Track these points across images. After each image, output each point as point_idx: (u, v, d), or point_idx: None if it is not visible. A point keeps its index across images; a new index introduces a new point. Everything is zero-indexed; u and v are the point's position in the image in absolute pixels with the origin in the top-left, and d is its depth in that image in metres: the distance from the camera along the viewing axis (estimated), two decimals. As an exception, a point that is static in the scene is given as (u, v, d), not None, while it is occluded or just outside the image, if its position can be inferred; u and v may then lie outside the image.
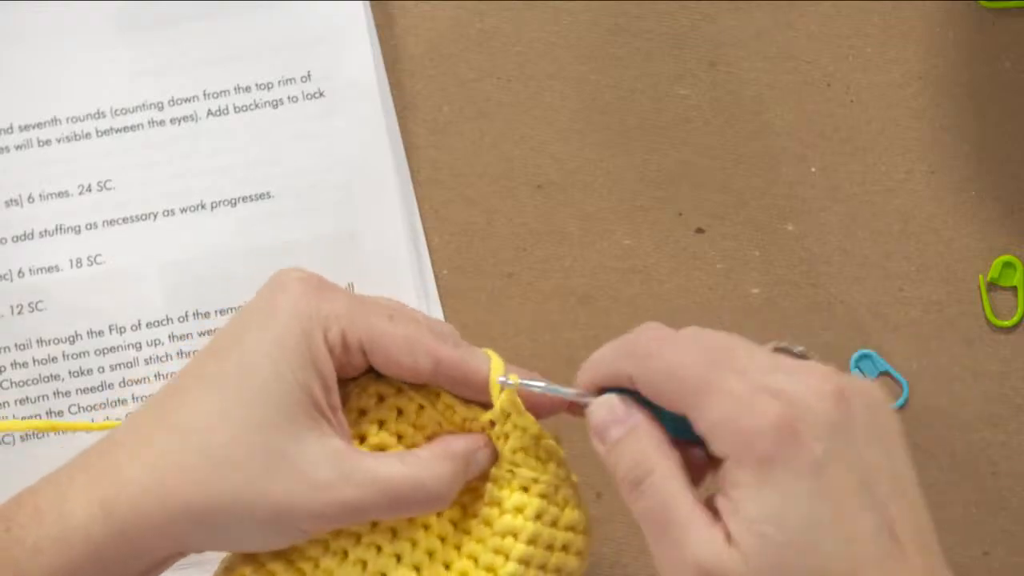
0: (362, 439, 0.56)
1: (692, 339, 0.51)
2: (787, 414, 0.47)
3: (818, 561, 0.46)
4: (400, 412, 0.56)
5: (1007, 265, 0.71)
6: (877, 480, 0.48)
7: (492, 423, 0.56)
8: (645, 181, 0.72)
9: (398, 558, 0.54)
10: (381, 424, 0.56)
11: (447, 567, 0.55)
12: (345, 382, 0.56)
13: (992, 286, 0.71)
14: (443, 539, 0.55)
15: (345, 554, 0.55)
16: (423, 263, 0.71)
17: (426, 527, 0.55)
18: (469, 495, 0.57)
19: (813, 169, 0.72)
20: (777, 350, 0.52)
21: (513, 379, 0.55)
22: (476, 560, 0.55)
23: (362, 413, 0.56)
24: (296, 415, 0.52)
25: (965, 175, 0.72)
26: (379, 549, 0.54)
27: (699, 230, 0.72)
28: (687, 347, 0.51)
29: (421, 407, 0.56)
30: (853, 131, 0.72)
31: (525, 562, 0.54)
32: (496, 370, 0.55)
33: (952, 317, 0.71)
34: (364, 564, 0.54)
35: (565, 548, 0.56)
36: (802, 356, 0.52)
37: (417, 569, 0.54)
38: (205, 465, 0.52)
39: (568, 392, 0.55)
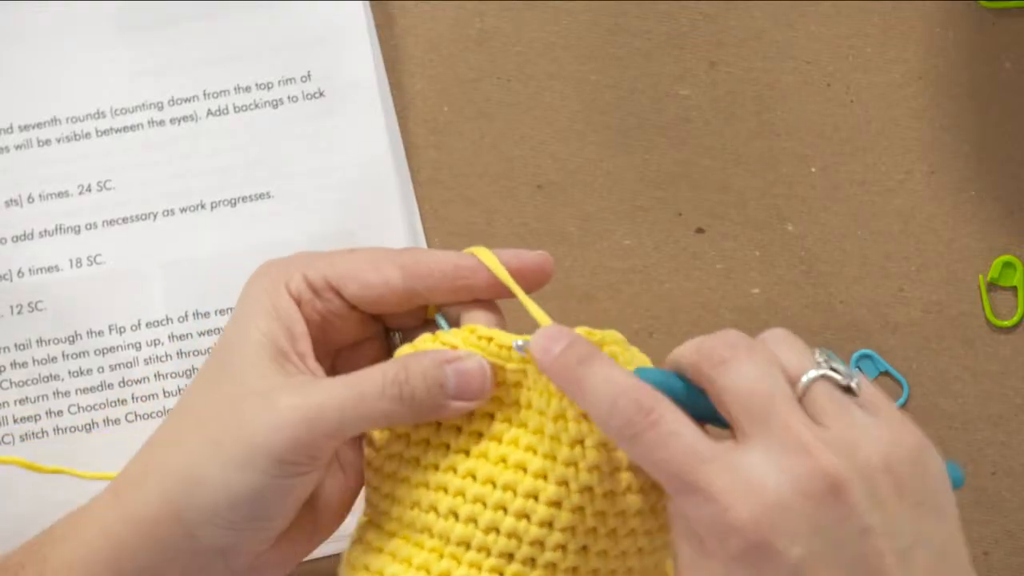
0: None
1: (683, 418, 0.48)
2: (759, 517, 0.45)
3: None
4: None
5: (1007, 265, 0.71)
6: (884, 568, 0.45)
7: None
8: (645, 181, 0.72)
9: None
10: None
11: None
12: None
13: (992, 286, 0.71)
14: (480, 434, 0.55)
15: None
16: (423, 263, 0.71)
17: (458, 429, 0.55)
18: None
19: (813, 169, 0.72)
20: (827, 378, 0.49)
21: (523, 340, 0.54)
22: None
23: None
24: (262, 363, 0.54)
25: (965, 175, 0.72)
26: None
27: (699, 230, 0.72)
28: (677, 428, 0.48)
29: (455, 348, 0.55)
30: (853, 131, 0.72)
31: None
32: (487, 258, 0.55)
33: (952, 317, 0.71)
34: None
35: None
36: (847, 389, 0.48)
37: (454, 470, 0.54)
38: (190, 428, 0.54)
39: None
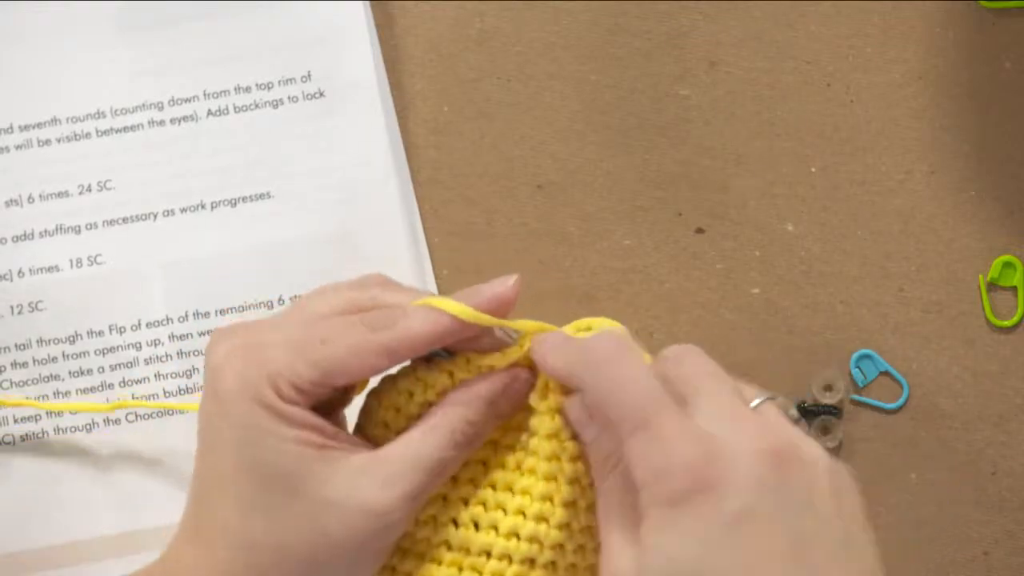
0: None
1: (644, 368, 0.50)
2: (708, 461, 0.46)
3: None
4: (411, 394, 0.56)
5: (1007, 265, 0.71)
6: (813, 546, 0.46)
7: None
8: (645, 181, 0.72)
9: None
10: (397, 410, 0.56)
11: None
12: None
13: (992, 286, 0.71)
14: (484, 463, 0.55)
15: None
16: (423, 263, 0.71)
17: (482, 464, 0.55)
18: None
19: (813, 169, 0.72)
20: (769, 400, 0.50)
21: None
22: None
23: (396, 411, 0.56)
24: (307, 467, 0.52)
25: (965, 175, 0.72)
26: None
27: (699, 230, 0.72)
28: (636, 373, 0.50)
29: (451, 374, 0.56)
30: (853, 131, 0.72)
31: None
32: (441, 303, 0.55)
33: (952, 317, 0.71)
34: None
35: None
36: (795, 418, 0.51)
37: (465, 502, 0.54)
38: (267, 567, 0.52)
39: (509, 332, 0.55)
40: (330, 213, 0.71)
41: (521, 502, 0.53)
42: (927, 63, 0.73)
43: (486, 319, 0.54)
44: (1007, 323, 0.71)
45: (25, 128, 0.72)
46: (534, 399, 0.54)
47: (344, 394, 0.56)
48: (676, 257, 0.72)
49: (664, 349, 0.52)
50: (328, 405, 0.55)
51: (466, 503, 0.54)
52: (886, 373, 0.70)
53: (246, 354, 0.53)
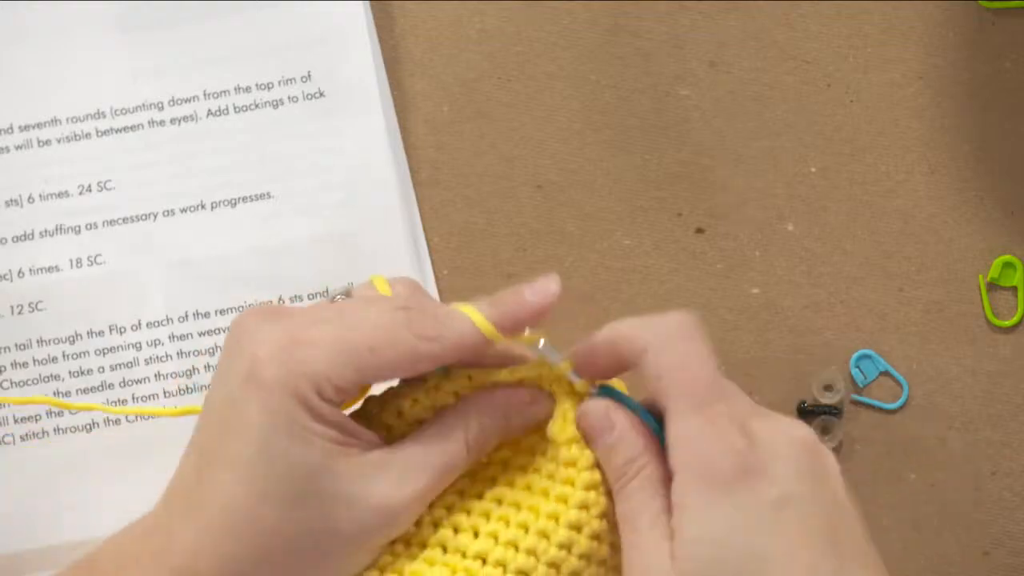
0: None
1: (709, 351, 0.52)
2: (752, 449, 0.49)
3: None
4: (415, 401, 0.56)
5: (1007, 265, 0.71)
6: (840, 533, 0.49)
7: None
8: (645, 181, 0.72)
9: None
10: (399, 414, 0.56)
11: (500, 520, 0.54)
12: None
13: (992, 286, 0.71)
14: (493, 479, 0.55)
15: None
16: (423, 263, 0.71)
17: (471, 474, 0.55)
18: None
19: (813, 169, 0.72)
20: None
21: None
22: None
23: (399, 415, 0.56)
24: (330, 462, 0.52)
25: (965, 175, 0.72)
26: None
27: (699, 230, 0.72)
28: (711, 353, 0.51)
29: (456, 395, 0.56)
30: (853, 131, 0.72)
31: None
32: (480, 321, 0.54)
33: (952, 317, 0.71)
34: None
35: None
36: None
37: (468, 512, 0.55)
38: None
39: (556, 358, 0.55)
40: (330, 213, 0.71)
41: (526, 518, 0.53)
42: (927, 63, 0.73)
43: (525, 338, 0.55)
44: (1007, 323, 0.71)
45: (25, 128, 0.72)
46: (553, 428, 0.54)
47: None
48: (676, 257, 0.72)
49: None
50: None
51: (469, 513, 0.54)
52: (886, 373, 0.70)
53: (293, 349, 0.52)
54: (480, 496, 0.55)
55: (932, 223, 0.72)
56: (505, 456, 0.56)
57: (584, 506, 0.52)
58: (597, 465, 0.53)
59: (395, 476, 0.53)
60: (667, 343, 0.52)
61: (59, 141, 0.72)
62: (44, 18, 0.73)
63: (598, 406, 0.53)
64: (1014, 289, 0.71)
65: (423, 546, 0.54)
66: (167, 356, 0.70)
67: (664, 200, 0.72)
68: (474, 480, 0.55)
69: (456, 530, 0.54)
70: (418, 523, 0.55)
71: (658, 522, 0.49)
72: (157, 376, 0.70)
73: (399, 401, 0.56)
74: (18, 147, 0.72)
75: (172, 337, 0.70)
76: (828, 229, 0.72)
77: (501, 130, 0.72)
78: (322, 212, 0.71)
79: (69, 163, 0.72)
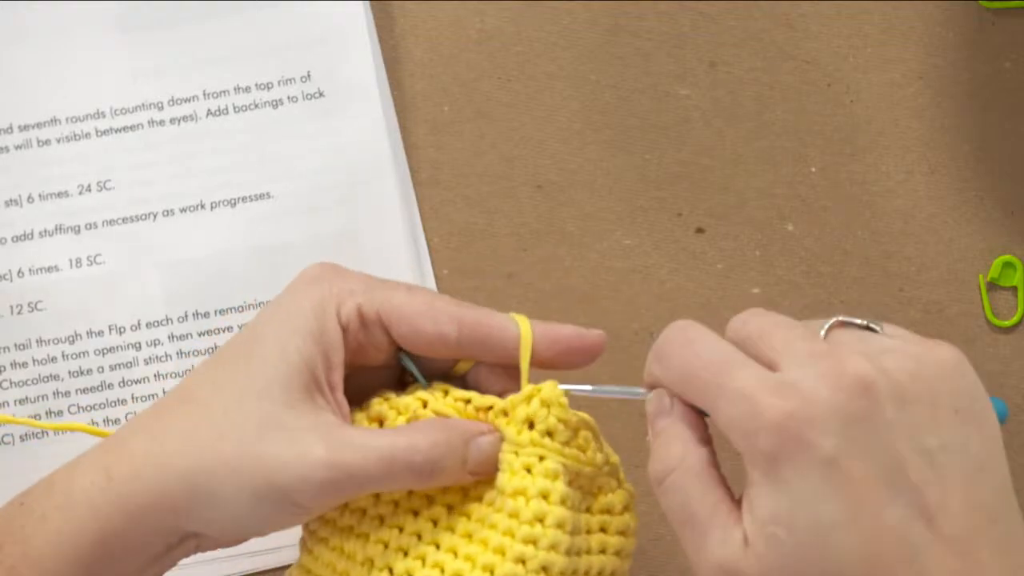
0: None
1: (713, 336, 0.50)
2: (791, 411, 0.46)
3: (833, 565, 0.45)
4: (387, 402, 0.56)
5: (1007, 265, 0.71)
6: (911, 466, 0.46)
7: (505, 412, 0.54)
8: (645, 181, 0.72)
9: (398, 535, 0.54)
10: (381, 423, 0.56)
11: (446, 550, 0.54)
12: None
13: (992, 286, 0.71)
14: (435, 522, 0.54)
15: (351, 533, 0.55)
16: (423, 263, 0.71)
17: (416, 513, 0.54)
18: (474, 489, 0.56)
19: (813, 169, 0.72)
20: (840, 324, 0.50)
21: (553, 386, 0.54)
22: (486, 546, 0.53)
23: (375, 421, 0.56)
24: (293, 387, 0.53)
25: (965, 175, 0.72)
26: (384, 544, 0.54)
27: (699, 230, 0.72)
28: (704, 346, 0.50)
29: (425, 404, 0.55)
30: (853, 131, 0.72)
31: (553, 547, 0.52)
32: (526, 333, 0.54)
33: (952, 317, 0.71)
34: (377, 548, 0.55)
35: (603, 531, 0.55)
36: (868, 328, 0.50)
37: (405, 552, 0.54)
38: (203, 430, 0.52)
39: (616, 391, 0.54)
40: (330, 213, 0.71)
41: (461, 567, 0.52)
42: (927, 63, 0.73)
43: (524, 368, 0.55)
44: (1007, 323, 0.71)
45: (25, 128, 0.72)
46: (501, 479, 0.53)
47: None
48: (676, 257, 0.72)
49: (731, 320, 0.52)
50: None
51: (406, 554, 0.54)
52: (886, 373, 0.70)
53: (336, 267, 0.56)
54: (419, 536, 0.54)
55: (932, 223, 0.72)
56: (451, 501, 0.55)
57: (520, 560, 0.52)
58: (540, 519, 0.52)
59: (335, 443, 0.52)
60: (672, 359, 0.51)
61: (59, 141, 0.72)
62: (44, 18, 0.73)
63: (654, 396, 0.52)
64: (1014, 289, 0.71)
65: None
66: (167, 356, 0.70)
67: (664, 200, 0.72)
68: (415, 518, 0.55)
69: (392, 572, 0.54)
70: (351, 558, 0.54)
71: (721, 507, 0.48)
72: (157, 376, 0.70)
73: (378, 408, 0.56)
74: (18, 147, 0.72)
75: (172, 337, 0.70)
76: (828, 229, 0.72)
77: (501, 130, 0.72)
78: (322, 212, 0.71)
79: (69, 163, 0.72)
